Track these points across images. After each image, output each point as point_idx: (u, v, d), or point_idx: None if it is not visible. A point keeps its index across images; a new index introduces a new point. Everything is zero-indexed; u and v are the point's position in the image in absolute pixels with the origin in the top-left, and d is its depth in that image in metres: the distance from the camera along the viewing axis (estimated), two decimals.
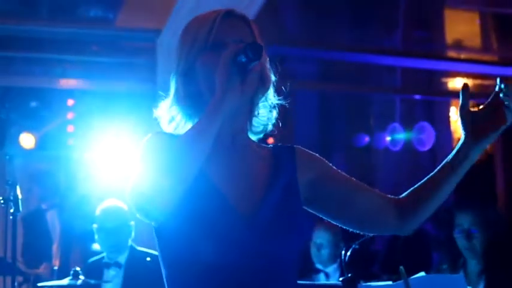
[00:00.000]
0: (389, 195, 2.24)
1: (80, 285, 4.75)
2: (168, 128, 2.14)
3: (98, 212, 5.40)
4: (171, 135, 2.10)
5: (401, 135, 10.23)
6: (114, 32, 7.55)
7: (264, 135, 2.19)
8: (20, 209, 4.23)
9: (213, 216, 1.95)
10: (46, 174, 7.36)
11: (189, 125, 2.10)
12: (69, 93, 7.98)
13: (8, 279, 4.37)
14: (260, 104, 2.13)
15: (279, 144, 2.21)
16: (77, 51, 7.47)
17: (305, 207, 2.18)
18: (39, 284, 5.03)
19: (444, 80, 10.72)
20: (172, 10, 6.88)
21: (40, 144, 8.09)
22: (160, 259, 2.08)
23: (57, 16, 7.58)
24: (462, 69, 10.40)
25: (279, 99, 2.17)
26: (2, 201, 4.24)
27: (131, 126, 7.45)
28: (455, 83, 10.73)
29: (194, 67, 2.06)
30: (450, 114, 11.40)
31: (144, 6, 7.48)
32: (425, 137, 10.12)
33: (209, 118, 1.92)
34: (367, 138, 10.35)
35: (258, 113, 2.15)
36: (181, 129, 2.12)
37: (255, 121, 2.15)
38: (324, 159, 2.24)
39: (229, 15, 2.09)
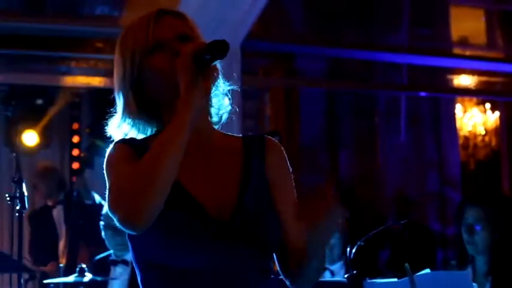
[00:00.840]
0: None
1: (87, 282, 4.75)
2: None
3: (104, 209, 5.41)
4: (134, 142, 2.04)
5: None
6: (119, 29, 7.54)
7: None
8: (26, 206, 4.23)
9: (186, 221, 1.92)
10: (52, 172, 7.35)
11: (142, 137, 2.07)
12: (75, 90, 7.98)
13: (14, 276, 4.36)
14: (212, 94, 2.07)
15: (250, 134, 2.16)
16: (82, 48, 7.47)
17: None
18: (46, 281, 5.04)
19: (450, 77, 10.71)
20: (176, 8, 6.87)
21: (45, 141, 8.10)
22: (134, 263, 2.03)
23: (62, 14, 7.59)
24: (467, 66, 10.39)
25: (229, 85, 2.12)
26: (8, 199, 4.23)
27: None
28: (461, 80, 10.71)
29: (142, 72, 2.01)
30: (456, 111, 11.40)
31: (149, 3, 7.48)
32: None
33: (178, 121, 1.87)
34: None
35: (212, 104, 2.10)
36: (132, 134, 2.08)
37: (212, 111, 2.12)
38: (288, 168, 2.17)
39: (161, 14, 2.05)
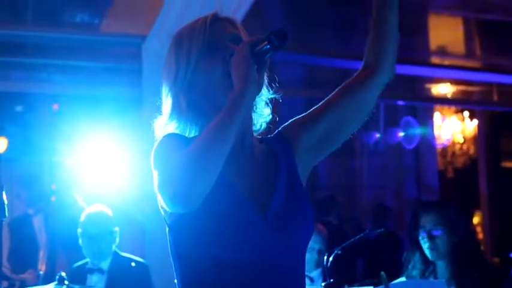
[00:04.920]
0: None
1: None
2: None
3: (82, 217, 5.40)
4: (184, 136, 2.10)
5: (417, 131, 10.16)
6: (99, 37, 7.55)
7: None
8: (6, 214, 4.22)
9: (231, 212, 1.97)
10: (33, 179, 7.33)
11: (186, 130, 2.12)
12: (55, 98, 7.97)
13: None
14: (257, 99, 2.13)
15: (268, 136, 2.20)
16: (62, 56, 7.46)
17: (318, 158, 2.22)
18: None
19: (428, 86, 10.78)
20: (158, 16, 6.89)
21: (25, 149, 8.07)
22: (173, 253, 2.06)
23: (43, 21, 7.58)
24: (446, 75, 10.46)
25: (271, 94, 2.17)
26: None
27: (117, 131, 7.45)
28: (439, 89, 10.79)
29: (196, 74, 2.06)
30: (433, 119, 11.47)
31: (129, 11, 7.50)
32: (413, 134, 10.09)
33: (231, 112, 1.89)
34: (377, 136, 10.34)
35: (257, 108, 2.15)
36: (180, 126, 2.13)
37: (255, 117, 2.16)
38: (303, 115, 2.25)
39: (216, 18, 2.11)
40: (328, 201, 8.82)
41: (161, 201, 1.95)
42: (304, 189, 2.14)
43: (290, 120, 2.24)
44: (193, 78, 2.06)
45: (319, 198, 9.22)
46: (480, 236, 12.20)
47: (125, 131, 7.24)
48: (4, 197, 4.22)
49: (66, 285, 4.69)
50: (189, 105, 2.08)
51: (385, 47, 2.25)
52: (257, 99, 2.11)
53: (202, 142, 1.88)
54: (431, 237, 3.86)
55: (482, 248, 9.88)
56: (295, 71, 9.35)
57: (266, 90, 2.14)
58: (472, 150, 12.14)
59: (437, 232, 3.85)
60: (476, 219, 12.61)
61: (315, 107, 2.23)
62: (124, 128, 7.36)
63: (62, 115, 7.92)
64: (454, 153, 12.07)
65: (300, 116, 2.24)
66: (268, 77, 2.12)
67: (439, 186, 11.61)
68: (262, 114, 2.17)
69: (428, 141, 11.29)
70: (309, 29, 9.36)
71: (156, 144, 2.04)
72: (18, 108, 7.98)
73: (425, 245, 3.88)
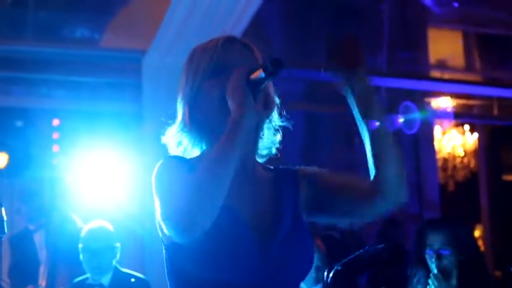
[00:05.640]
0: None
1: None
2: (176, 152, 2.15)
3: (83, 232, 5.40)
4: (185, 159, 2.11)
5: (417, 115, 10.10)
6: (99, 52, 7.57)
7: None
8: (5, 231, 4.21)
9: (231, 237, 1.97)
10: (33, 195, 7.32)
11: (196, 150, 2.13)
12: (55, 112, 7.97)
13: None
14: (265, 127, 2.13)
15: (282, 166, 2.19)
16: (62, 71, 7.48)
17: (312, 217, 2.21)
18: None
19: (428, 99, 10.80)
20: (157, 31, 6.91)
21: (26, 164, 8.08)
22: (169, 272, 2.06)
23: (43, 36, 7.60)
24: (446, 89, 10.48)
25: (282, 122, 2.17)
26: None
27: (117, 146, 7.45)
28: (439, 103, 10.80)
29: (199, 93, 2.07)
30: (434, 133, 11.47)
31: (129, 26, 7.52)
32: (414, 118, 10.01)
33: (229, 140, 1.91)
34: (376, 123, 10.27)
35: (263, 135, 2.15)
36: (188, 153, 2.14)
37: (261, 144, 2.15)
38: (321, 169, 2.25)
39: (230, 41, 2.10)
40: None
41: (162, 226, 1.96)
42: (307, 226, 2.14)
43: (311, 168, 2.25)
44: (196, 96, 2.07)
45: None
46: (481, 249, 12.20)
47: (125, 145, 7.24)
48: (4, 213, 4.23)
49: None
50: (193, 121, 2.10)
51: (386, 178, 2.19)
52: (265, 125, 2.12)
53: (204, 172, 1.88)
54: (439, 257, 3.83)
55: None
56: (293, 85, 9.36)
57: (276, 116, 2.15)
58: (472, 164, 12.14)
59: (445, 252, 3.83)
60: (477, 233, 12.60)
61: (338, 176, 2.25)
62: (124, 142, 7.36)
63: (62, 130, 7.91)
64: (454, 166, 12.07)
65: (320, 172, 2.24)
66: (277, 105, 2.13)
67: (440, 199, 11.60)
68: (270, 141, 2.17)
69: (427, 154, 11.28)
70: (308, 43, 9.38)
71: (157, 167, 2.04)
72: (19, 124, 7.98)
73: (432, 264, 3.86)
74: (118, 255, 5.31)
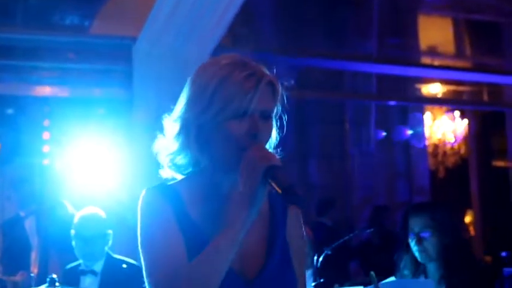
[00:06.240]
0: None
1: None
2: (164, 160, 2.13)
3: (76, 219, 5.41)
4: (168, 195, 2.09)
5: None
6: (89, 39, 7.56)
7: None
8: None
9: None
10: (24, 182, 7.34)
11: (184, 160, 2.11)
12: (45, 100, 7.97)
13: None
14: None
15: (273, 191, 2.11)
16: (52, 58, 7.47)
17: None
18: None
19: (418, 86, 10.83)
20: (147, 17, 6.90)
21: (16, 151, 8.08)
22: None
23: (33, 23, 7.58)
24: (436, 76, 10.51)
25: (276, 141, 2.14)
26: None
27: (107, 132, 7.46)
28: (430, 89, 10.84)
29: (215, 126, 2.02)
30: (424, 119, 11.51)
31: (119, 13, 7.50)
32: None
33: (232, 236, 1.92)
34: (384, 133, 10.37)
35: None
36: (177, 161, 2.12)
37: None
38: (304, 245, 2.26)
39: (262, 80, 2.02)
40: (327, 203, 8.85)
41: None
42: (292, 264, 2.14)
43: (297, 222, 2.22)
44: (211, 127, 2.04)
45: (318, 199, 9.23)
46: (472, 235, 12.25)
47: (115, 132, 7.25)
48: None
49: (58, 287, 4.70)
50: (196, 144, 2.07)
51: None
52: None
53: (201, 268, 1.91)
54: (419, 240, 3.86)
55: (473, 247, 9.88)
56: (284, 72, 9.36)
57: (272, 139, 2.11)
58: (463, 150, 12.19)
59: (425, 234, 3.85)
60: (467, 219, 12.66)
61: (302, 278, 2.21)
62: (115, 129, 7.37)
63: (53, 117, 7.92)
64: (445, 152, 12.12)
65: (303, 247, 2.25)
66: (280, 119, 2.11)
67: (431, 186, 11.65)
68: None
69: (418, 142, 11.33)
70: (299, 30, 9.39)
71: (140, 203, 2.06)
72: (9, 111, 7.98)
73: (414, 248, 3.89)
74: (110, 242, 5.33)
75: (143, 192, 2.08)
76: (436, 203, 4.20)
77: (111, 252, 5.30)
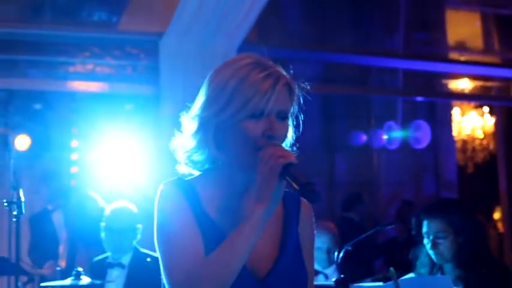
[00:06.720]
0: None
1: (83, 285, 4.82)
2: (181, 157, 2.17)
3: (107, 211, 5.49)
4: (186, 191, 2.12)
5: (398, 134, 10.25)
6: (117, 35, 7.61)
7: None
8: (23, 211, 4.30)
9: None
10: (52, 176, 7.42)
11: (202, 157, 2.14)
12: (73, 95, 8.04)
13: (12, 279, 4.43)
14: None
15: (287, 190, 2.13)
16: (80, 54, 7.53)
17: None
18: (43, 284, 5.10)
19: (446, 81, 10.76)
20: (174, 13, 6.94)
21: (45, 146, 8.16)
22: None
23: (61, 20, 7.65)
24: (464, 71, 10.44)
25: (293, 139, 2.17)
26: (6, 204, 4.31)
27: (134, 128, 7.52)
28: (457, 85, 10.77)
29: (233, 125, 2.05)
30: (452, 115, 11.45)
31: (146, 9, 7.55)
32: (422, 134, 10.14)
33: (249, 233, 1.96)
34: (364, 137, 10.37)
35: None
36: (194, 158, 2.16)
37: None
38: (313, 234, 2.28)
39: (280, 82, 2.06)
40: (354, 198, 8.84)
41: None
42: (304, 261, 2.18)
43: (309, 221, 2.27)
44: (229, 127, 2.07)
45: (345, 194, 9.23)
46: (500, 231, 12.19)
47: (143, 127, 7.30)
48: (22, 195, 4.31)
49: (86, 280, 4.75)
50: (215, 143, 2.11)
51: None
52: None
53: (216, 265, 1.94)
54: (434, 244, 3.87)
55: (490, 245, 9.81)
56: (312, 66, 9.35)
57: (288, 137, 2.14)
58: (492, 146, 12.11)
59: (440, 239, 3.86)
60: (496, 215, 12.59)
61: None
62: (142, 124, 7.42)
63: (81, 112, 7.98)
64: (474, 148, 12.06)
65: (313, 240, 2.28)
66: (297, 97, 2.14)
67: (459, 181, 11.59)
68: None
69: (445, 138, 11.28)
70: (326, 25, 9.38)
71: (158, 197, 2.09)
72: (38, 106, 8.05)
73: (430, 251, 3.90)
74: (139, 236, 5.39)
75: (161, 186, 2.11)
76: (449, 203, 4.15)
77: (138, 246, 5.36)
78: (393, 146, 10.29)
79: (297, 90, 2.12)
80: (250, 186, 2.05)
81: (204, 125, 2.09)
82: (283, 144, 2.10)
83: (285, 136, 2.10)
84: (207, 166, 2.17)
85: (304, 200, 2.24)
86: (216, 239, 2.00)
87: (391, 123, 10.21)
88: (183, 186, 2.12)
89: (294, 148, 2.15)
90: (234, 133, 2.06)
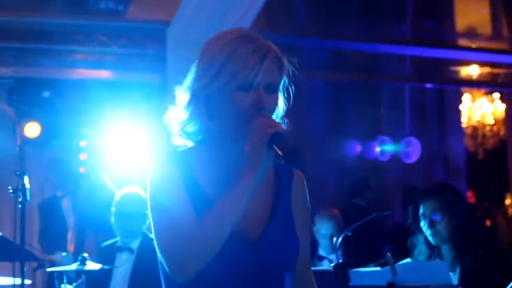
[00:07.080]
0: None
1: (91, 270, 4.90)
2: (175, 128, 2.22)
3: (117, 196, 5.56)
4: (179, 162, 2.17)
5: (390, 147, 10.35)
6: (124, 23, 7.66)
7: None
8: (28, 198, 4.34)
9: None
10: (61, 163, 7.49)
11: (194, 128, 2.18)
12: (82, 83, 8.09)
13: (17, 265, 4.48)
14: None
15: (281, 162, 2.18)
16: (88, 42, 7.58)
17: None
18: (49, 269, 5.17)
19: (454, 68, 10.74)
20: (181, 1, 6.97)
21: (54, 134, 8.22)
22: (161, 269, 2.17)
23: (69, 8, 7.70)
24: (472, 58, 10.41)
25: (286, 110, 2.24)
26: (11, 191, 4.35)
27: (141, 115, 7.56)
28: (466, 71, 10.74)
29: (224, 98, 2.10)
30: (461, 102, 11.44)
31: None
32: (412, 150, 10.24)
33: (239, 196, 2.02)
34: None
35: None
36: (187, 129, 2.20)
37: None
38: (308, 203, 2.34)
39: (269, 54, 2.11)
40: (361, 184, 8.86)
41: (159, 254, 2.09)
42: (295, 229, 2.23)
43: (301, 189, 2.32)
44: (219, 99, 2.12)
45: (352, 181, 9.25)
46: (511, 217, 12.19)
47: (149, 114, 7.34)
48: (27, 182, 4.36)
49: (95, 266, 4.81)
50: (206, 115, 2.16)
51: None
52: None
53: (206, 227, 2.00)
54: (431, 223, 3.93)
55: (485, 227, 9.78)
56: (320, 54, 9.37)
57: (279, 112, 2.21)
58: (502, 132, 12.10)
59: (436, 217, 3.92)
60: (507, 201, 12.58)
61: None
62: (148, 111, 7.46)
63: (89, 100, 8.03)
64: (484, 134, 12.05)
65: (307, 213, 2.34)
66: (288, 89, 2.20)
67: (469, 167, 11.58)
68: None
69: (454, 125, 11.26)
70: (334, 12, 9.37)
71: (150, 172, 2.13)
72: (47, 94, 8.10)
73: (427, 232, 3.96)
74: (148, 222, 5.45)
75: (153, 157, 2.17)
76: (444, 186, 4.27)
77: (147, 232, 5.42)
78: (385, 158, 10.39)
79: (286, 63, 2.16)
80: (242, 156, 2.09)
81: (196, 96, 2.14)
82: (274, 116, 2.16)
83: (275, 108, 2.16)
84: (200, 137, 2.21)
85: (297, 171, 2.32)
86: (205, 206, 2.05)
87: (384, 137, 10.31)
88: (175, 157, 2.17)
89: (285, 120, 2.21)
90: (225, 104, 2.11)
